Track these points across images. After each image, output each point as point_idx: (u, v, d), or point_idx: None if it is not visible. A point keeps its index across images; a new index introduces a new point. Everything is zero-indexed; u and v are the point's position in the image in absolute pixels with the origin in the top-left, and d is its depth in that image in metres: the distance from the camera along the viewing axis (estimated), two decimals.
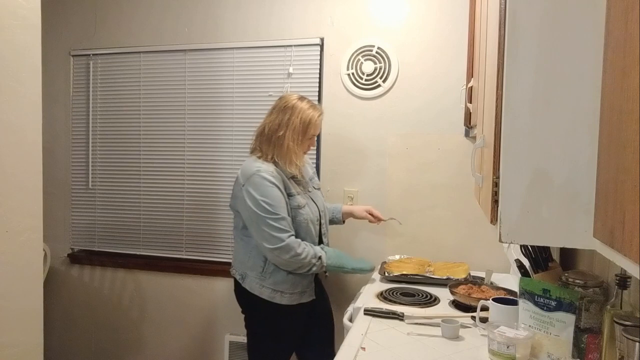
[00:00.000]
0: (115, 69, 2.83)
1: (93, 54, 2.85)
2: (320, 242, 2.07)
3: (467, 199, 2.31)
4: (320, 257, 1.92)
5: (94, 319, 2.94)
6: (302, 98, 2.01)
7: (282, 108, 1.97)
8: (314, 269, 1.92)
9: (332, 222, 2.27)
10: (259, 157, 1.97)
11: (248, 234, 1.95)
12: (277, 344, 2.02)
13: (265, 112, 2.53)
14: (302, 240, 1.94)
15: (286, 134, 1.93)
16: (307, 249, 1.90)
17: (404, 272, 2.08)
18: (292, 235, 1.89)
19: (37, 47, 1.74)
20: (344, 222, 2.31)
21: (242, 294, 2.01)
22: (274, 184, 1.88)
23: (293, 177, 1.99)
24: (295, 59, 2.52)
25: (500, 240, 0.94)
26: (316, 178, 2.21)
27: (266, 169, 1.90)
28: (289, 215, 1.91)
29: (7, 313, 1.67)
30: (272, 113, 2.00)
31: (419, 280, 2.06)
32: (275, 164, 1.95)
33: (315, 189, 2.14)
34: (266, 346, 2.02)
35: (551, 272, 1.42)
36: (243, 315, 2.07)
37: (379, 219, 2.26)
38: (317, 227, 2.05)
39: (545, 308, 1.22)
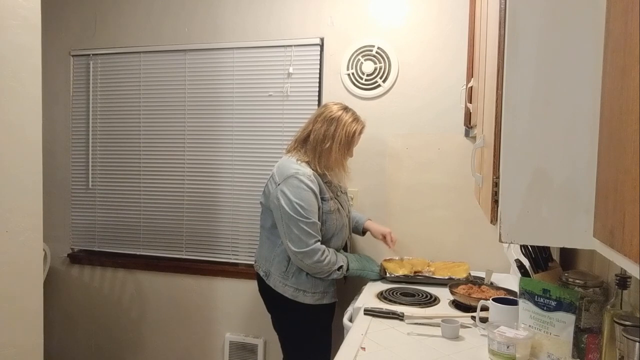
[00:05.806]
0: (115, 69, 2.83)
1: (93, 54, 2.85)
2: (345, 247, 2.09)
3: (467, 199, 2.30)
4: (341, 267, 1.94)
5: (94, 319, 2.94)
6: (346, 109, 2.01)
7: (328, 119, 1.96)
8: (334, 275, 1.94)
9: (353, 230, 2.28)
10: (297, 160, 1.97)
11: (276, 233, 1.96)
12: (305, 344, 2.02)
13: (266, 112, 2.57)
14: (330, 243, 1.96)
15: (332, 146, 1.94)
16: (329, 257, 1.91)
17: (406, 274, 2.08)
18: (319, 241, 1.91)
19: (37, 47, 1.74)
20: (364, 234, 2.32)
21: (266, 292, 2.03)
22: (310, 188, 1.89)
23: (326, 182, 2.00)
24: (295, 59, 2.52)
25: (500, 240, 0.94)
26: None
27: (304, 172, 1.91)
28: (319, 219, 1.92)
29: (7, 313, 1.66)
30: (317, 121, 1.99)
31: (419, 281, 2.06)
32: (314, 169, 1.96)
33: (342, 193, 2.14)
34: (298, 347, 2.03)
35: (551, 272, 1.42)
36: (270, 316, 2.10)
37: (389, 245, 2.25)
38: (345, 232, 2.05)
39: (545, 308, 1.22)
